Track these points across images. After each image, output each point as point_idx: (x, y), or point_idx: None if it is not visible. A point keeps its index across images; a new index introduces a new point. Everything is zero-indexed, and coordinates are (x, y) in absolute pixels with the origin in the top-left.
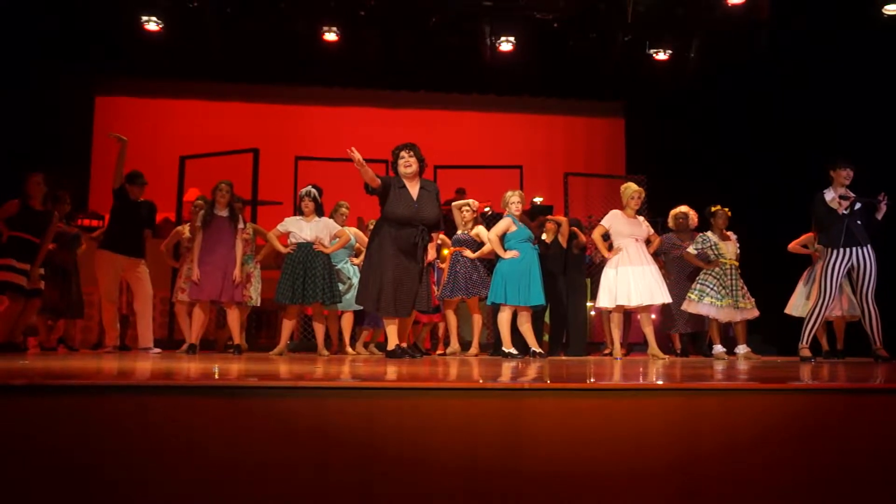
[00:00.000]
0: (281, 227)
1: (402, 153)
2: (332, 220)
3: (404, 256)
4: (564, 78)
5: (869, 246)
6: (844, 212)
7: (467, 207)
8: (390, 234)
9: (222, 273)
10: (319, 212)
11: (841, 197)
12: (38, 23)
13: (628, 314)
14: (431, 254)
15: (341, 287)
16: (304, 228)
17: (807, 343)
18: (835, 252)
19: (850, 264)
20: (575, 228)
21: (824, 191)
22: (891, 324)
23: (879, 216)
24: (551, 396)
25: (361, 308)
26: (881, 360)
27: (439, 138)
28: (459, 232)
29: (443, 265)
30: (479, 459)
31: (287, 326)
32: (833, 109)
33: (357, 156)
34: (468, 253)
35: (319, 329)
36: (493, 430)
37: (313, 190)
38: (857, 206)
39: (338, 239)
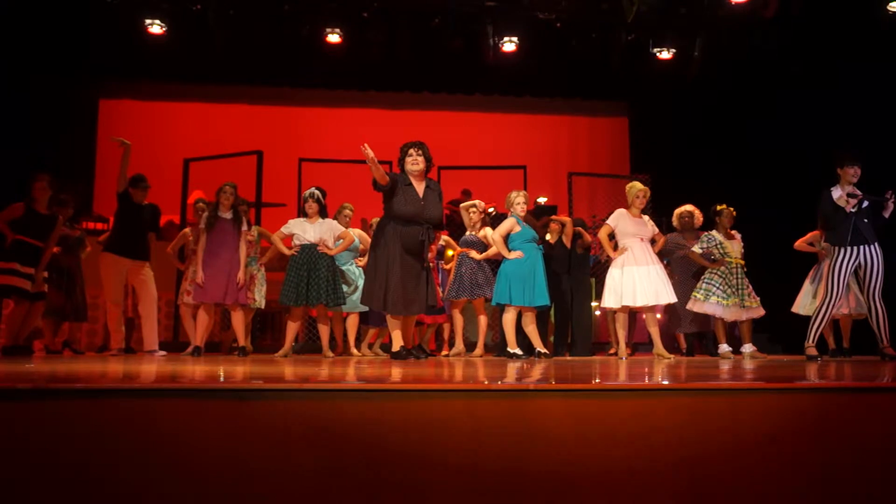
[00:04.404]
0: (285, 230)
1: (411, 151)
2: (335, 222)
3: (410, 255)
4: (568, 78)
5: (876, 244)
6: (851, 210)
7: (474, 209)
8: (396, 231)
9: (226, 275)
10: (323, 213)
11: (849, 195)
12: (42, 26)
13: (633, 314)
14: (430, 253)
15: (346, 289)
16: (307, 230)
17: (813, 342)
18: (842, 250)
19: (857, 262)
20: (580, 228)
21: (831, 188)
22: (894, 321)
23: (886, 214)
24: (557, 397)
25: (366, 310)
26: (888, 359)
27: (443, 139)
28: (467, 233)
29: (447, 266)
30: (485, 461)
31: (291, 328)
32: (838, 107)
33: (370, 153)
34: (474, 254)
35: (324, 331)
36: (498, 431)
37: (317, 192)
38: (865, 204)
39: (342, 240)
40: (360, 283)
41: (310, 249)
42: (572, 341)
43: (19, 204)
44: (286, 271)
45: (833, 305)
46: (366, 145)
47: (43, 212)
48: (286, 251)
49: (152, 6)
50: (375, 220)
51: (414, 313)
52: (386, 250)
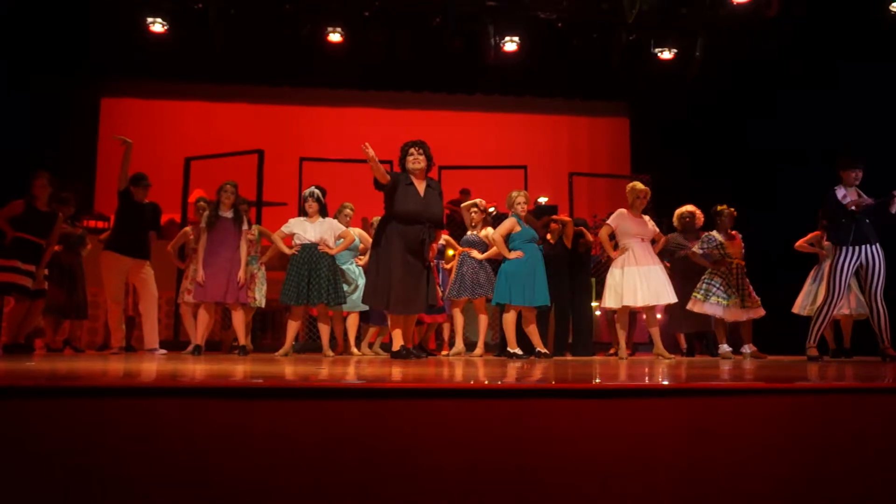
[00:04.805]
0: (285, 229)
1: (412, 150)
2: (336, 221)
3: (411, 254)
4: (569, 78)
5: (878, 244)
6: (853, 209)
7: (475, 209)
8: (397, 231)
9: (227, 274)
10: (323, 212)
11: (857, 202)
12: (44, 25)
13: (634, 314)
14: (431, 252)
15: (346, 288)
16: (308, 230)
17: (814, 342)
18: (844, 250)
19: (858, 262)
20: (582, 228)
21: (836, 188)
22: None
23: (893, 209)
24: (556, 397)
25: (367, 309)
26: (889, 359)
27: (444, 139)
28: (469, 233)
29: (447, 266)
30: (484, 460)
31: (292, 327)
32: (839, 107)
33: (371, 152)
34: (475, 254)
35: (324, 330)
36: (497, 430)
37: (317, 191)
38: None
39: (342, 240)
40: (361, 282)
41: (310, 249)
42: (573, 341)
43: (19, 201)
44: (287, 271)
45: (834, 305)
46: (367, 144)
47: (43, 209)
48: (287, 250)
49: (153, 5)
50: (376, 218)
51: (415, 312)
52: (388, 249)
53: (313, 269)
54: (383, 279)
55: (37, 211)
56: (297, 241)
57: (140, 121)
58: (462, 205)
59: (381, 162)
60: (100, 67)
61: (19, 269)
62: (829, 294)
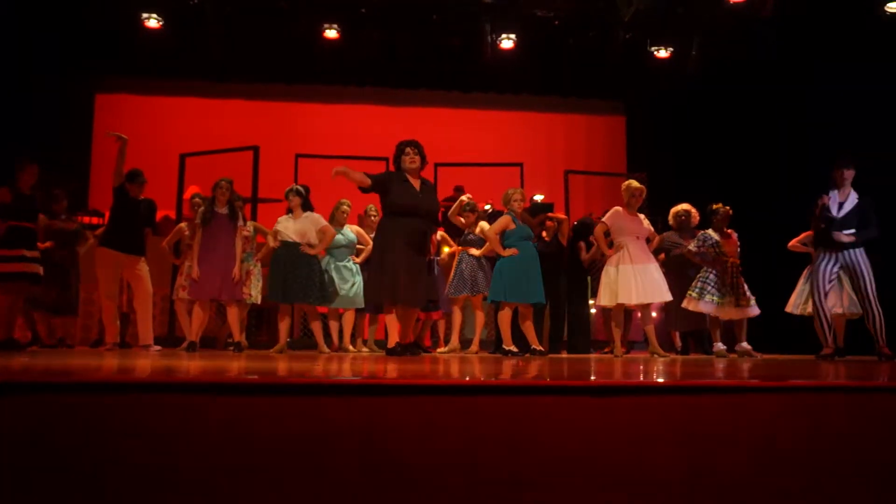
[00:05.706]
0: (274, 229)
1: (407, 149)
2: (318, 216)
3: (412, 249)
4: (565, 76)
5: (861, 249)
6: (837, 215)
7: (467, 211)
8: (397, 225)
9: (222, 271)
10: (306, 207)
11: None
12: (39, 20)
13: (629, 312)
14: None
15: (344, 286)
16: (289, 227)
17: (828, 342)
18: (822, 254)
19: (839, 265)
20: (592, 239)
21: (828, 192)
22: (891, 322)
23: (841, 237)
24: (552, 394)
25: (363, 306)
26: (884, 359)
27: (440, 136)
28: (467, 232)
29: (442, 262)
30: (479, 457)
31: (282, 324)
32: (835, 107)
33: (336, 171)
34: (473, 250)
35: (317, 327)
36: (492, 427)
37: (296, 186)
38: (848, 210)
39: (323, 235)
40: (358, 279)
41: (289, 247)
42: (570, 339)
43: (3, 188)
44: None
45: (821, 304)
46: (335, 169)
47: (27, 193)
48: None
49: (149, 1)
50: (370, 206)
51: (418, 305)
52: (389, 244)
53: (289, 267)
54: (388, 274)
55: (23, 195)
56: (280, 238)
57: (135, 117)
58: (450, 212)
59: (376, 160)
60: (94, 63)
61: (26, 257)
62: (812, 295)
